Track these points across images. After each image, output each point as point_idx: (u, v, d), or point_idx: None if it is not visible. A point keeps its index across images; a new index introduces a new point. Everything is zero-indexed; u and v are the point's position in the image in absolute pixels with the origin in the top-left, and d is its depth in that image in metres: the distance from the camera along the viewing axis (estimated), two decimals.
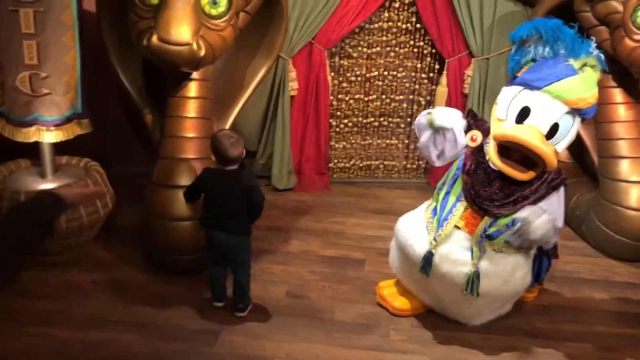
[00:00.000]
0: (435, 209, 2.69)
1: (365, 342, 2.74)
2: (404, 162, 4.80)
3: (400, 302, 2.94)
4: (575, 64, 2.44)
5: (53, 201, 1.77)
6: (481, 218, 2.53)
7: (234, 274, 2.86)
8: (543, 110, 2.42)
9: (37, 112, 3.20)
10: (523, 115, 2.46)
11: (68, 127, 3.31)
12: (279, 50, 3.63)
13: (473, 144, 2.61)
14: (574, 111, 2.43)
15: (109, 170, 3.56)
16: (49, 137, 3.26)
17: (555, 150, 2.46)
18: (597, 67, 2.46)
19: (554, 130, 2.43)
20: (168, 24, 2.66)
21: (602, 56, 2.49)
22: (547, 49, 2.51)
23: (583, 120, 2.52)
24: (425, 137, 2.64)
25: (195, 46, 2.70)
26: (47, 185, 3.28)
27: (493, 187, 2.53)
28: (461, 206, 2.59)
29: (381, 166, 4.77)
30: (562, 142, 2.47)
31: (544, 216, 2.42)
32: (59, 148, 3.35)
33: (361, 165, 4.74)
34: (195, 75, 3.17)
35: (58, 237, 3.12)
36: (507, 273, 2.59)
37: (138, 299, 2.95)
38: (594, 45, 2.48)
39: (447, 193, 2.66)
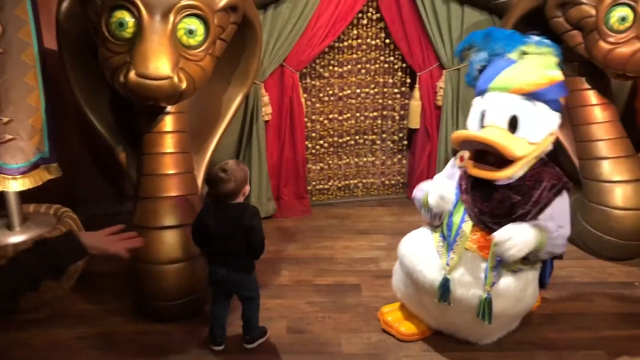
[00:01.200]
0: (442, 232, 2.61)
1: None
2: (382, 179, 4.73)
3: (407, 327, 2.84)
4: (512, 55, 2.47)
5: (74, 247, 1.71)
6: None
7: (242, 306, 2.76)
8: (494, 106, 2.44)
9: (0, 160, 2.96)
10: (482, 119, 2.49)
11: (35, 173, 3.08)
12: (254, 76, 3.50)
13: (463, 164, 2.57)
14: (529, 97, 2.39)
15: (76, 211, 3.33)
16: (15, 185, 3.02)
17: (526, 142, 2.38)
18: (545, 51, 2.44)
19: (514, 122, 2.40)
20: (145, 58, 2.49)
21: (547, 41, 2.47)
22: (485, 54, 2.55)
23: (556, 110, 2.45)
24: (425, 214, 2.71)
25: (176, 79, 2.54)
26: (17, 237, 3.04)
27: (493, 201, 2.46)
28: (467, 227, 2.50)
29: (360, 185, 4.69)
30: (535, 132, 2.40)
31: (523, 234, 2.29)
32: (21, 193, 3.09)
33: (340, 185, 4.64)
34: (170, 108, 3.02)
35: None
36: (520, 291, 2.52)
37: (132, 353, 2.74)
38: (536, 38, 2.47)
39: (450, 214, 2.57)
